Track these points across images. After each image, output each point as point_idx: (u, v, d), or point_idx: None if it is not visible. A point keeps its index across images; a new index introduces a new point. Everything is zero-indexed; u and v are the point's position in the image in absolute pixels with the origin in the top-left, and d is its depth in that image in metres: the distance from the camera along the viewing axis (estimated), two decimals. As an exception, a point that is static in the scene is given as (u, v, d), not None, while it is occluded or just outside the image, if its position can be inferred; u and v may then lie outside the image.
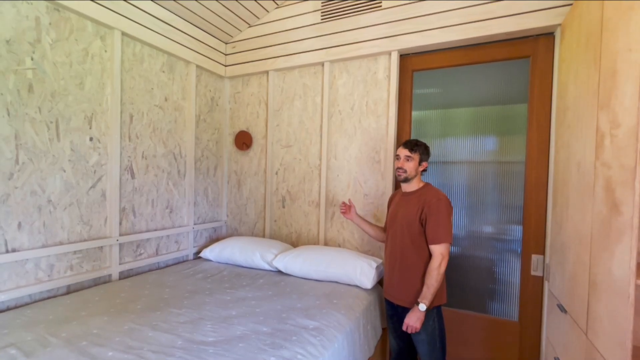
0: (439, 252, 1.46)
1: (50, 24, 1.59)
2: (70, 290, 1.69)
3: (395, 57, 2.06)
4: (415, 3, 1.98)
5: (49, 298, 1.59)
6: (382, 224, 1.86)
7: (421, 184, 1.61)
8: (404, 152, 1.57)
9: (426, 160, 1.60)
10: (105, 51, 1.83)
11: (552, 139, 1.74)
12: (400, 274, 1.56)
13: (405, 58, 2.11)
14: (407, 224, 1.54)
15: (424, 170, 1.62)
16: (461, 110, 2.04)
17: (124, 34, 1.90)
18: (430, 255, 1.50)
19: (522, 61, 1.84)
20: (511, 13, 1.74)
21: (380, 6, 2.08)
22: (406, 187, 1.63)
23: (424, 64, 2.08)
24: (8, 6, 1.44)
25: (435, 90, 2.12)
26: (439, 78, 2.09)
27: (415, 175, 1.58)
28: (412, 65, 2.11)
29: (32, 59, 1.53)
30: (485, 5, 1.80)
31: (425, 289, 1.45)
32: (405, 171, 1.57)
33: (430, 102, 2.13)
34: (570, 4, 1.60)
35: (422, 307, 1.43)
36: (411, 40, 1.99)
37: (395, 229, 1.61)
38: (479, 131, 1.98)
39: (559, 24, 1.65)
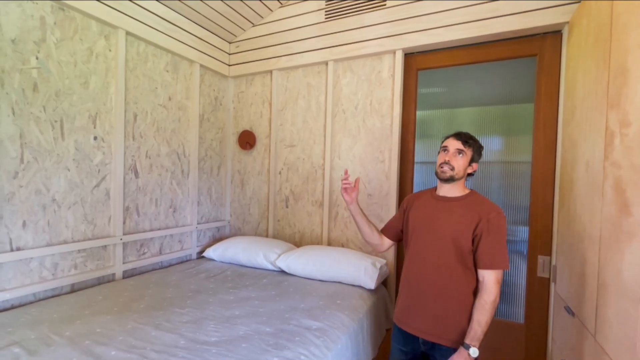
0: (495, 279, 1.16)
1: (55, 23, 1.59)
2: (74, 289, 1.70)
3: (399, 56, 2.05)
4: (420, 2, 1.97)
5: (53, 297, 1.60)
6: (380, 227, 1.56)
7: (467, 190, 1.30)
8: (455, 143, 1.26)
9: (477, 161, 1.30)
10: (110, 50, 1.83)
11: (559, 139, 1.71)
12: (437, 301, 1.22)
13: (409, 57, 2.10)
14: (454, 238, 1.21)
15: (471, 174, 1.32)
16: (466, 109, 2.02)
17: (128, 33, 1.90)
18: (477, 281, 1.22)
19: (529, 60, 1.82)
20: (517, 11, 1.72)
21: (385, 5, 2.07)
22: (446, 191, 1.30)
23: (428, 63, 2.06)
24: (13, 6, 1.45)
25: (440, 89, 2.10)
26: (444, 77, 2.07)
27: (462, 177, 1.27)
28: (416, 64, 2.09)
29: (37, 58, 1.53)
30: (491, 3, 1.78)
31: (476, 326, 1.13)
32: (453, 168, 1.24)
33: (435, 102, 2.11)
34: (578, 2, 1.57)
35: (474, 352, 1.11)
36: (415, 39, 1.98)
37: (429, 242, 1.27)
38: (484, 131, 1.96)
39: (567, 22, 1.62)
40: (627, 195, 0.94)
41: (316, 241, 2.37)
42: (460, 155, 1.26)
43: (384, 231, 1.52)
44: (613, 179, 1.03)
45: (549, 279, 1.75)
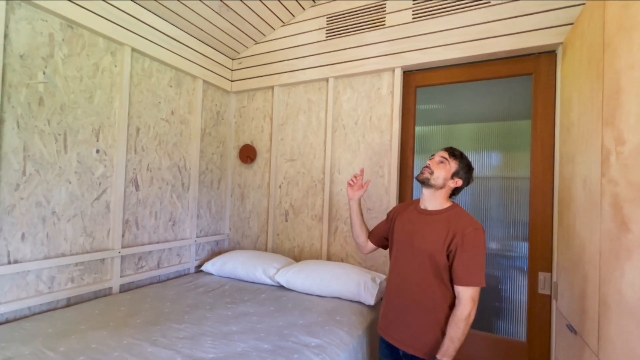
0: (469, 296, 1.15)
1: (63, 40, 1.64)
2: (70, 303, 1.68)
3: (398, 74, 2.09)
4: (418, 22, 2.03)
5: (48, 311, 1.57)
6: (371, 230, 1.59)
7: (448, 204, 1.30)
8: (440, 153, 1.32)
9: (464, 179, 1.30)
10: (115, 66, 1.88)
11: (556, 155, 1.73)
12: (414, 314, 1.25)
13: (408, 74, 2.14)
14: (430, 253, 1.23)
15: (455, 193, 1.33)
16: (465, 125, 2.05)
17: (133, 49, 1.95)
18: (454, 296, 1.21)
19: (525, 78, 1.86)
20: (512, 32, 1.77)
21: (384, 24, 2.13)
22: (427, 202, 1.32)
23: (427, 81, 2.11)
24: (24, 23, 1.49)
25: (438, 106, 2.14)
26: (443, 94, 2.11)
27: (441, 187, 1.28)
28: (415, 82, 2.13)
29: (44, 73, 1.56)
30: (486, 24, 1.84)
31: (448, 342, 1.14)
32: (432, 172, 1.28)
33: (433, 118, 2.14)
34: (571, 24, 1.62)
35: None
36: (414, 57, 2.03)
37: (409, 256, 1.30)
38: (483, 147, 1.98)
39: (561, 43, 1.67)
40: (625, 212, 0.95)
41: (315, 255, 2.36)
42: (443, 164, 1.29)
43: (370, 235, 1.57)
44: (610, 195, 1.04)
45: (550, 296, 1.74)
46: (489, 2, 1.83)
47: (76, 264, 1.70)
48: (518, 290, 1.86)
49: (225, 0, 2.09)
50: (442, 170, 1.28)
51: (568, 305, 1.44)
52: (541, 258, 1.77)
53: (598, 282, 1.11)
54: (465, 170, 1.31)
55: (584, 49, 1.33)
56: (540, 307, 1.76)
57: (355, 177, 1.54)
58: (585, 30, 1.32)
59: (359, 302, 1.81)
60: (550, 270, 1.74)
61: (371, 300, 1.77)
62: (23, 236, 1.51)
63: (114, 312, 1.55)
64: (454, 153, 1.31)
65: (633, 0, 0.94)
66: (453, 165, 1.29)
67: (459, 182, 1.30)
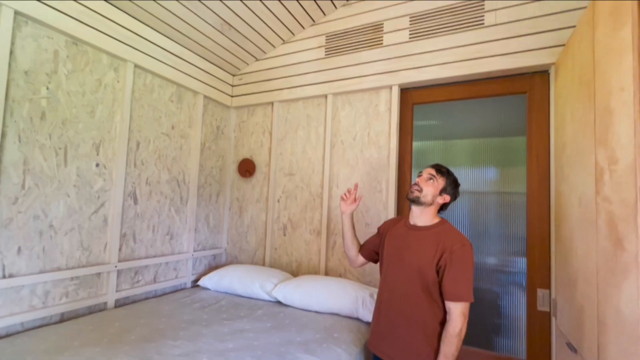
0: (460, 312, 1.16)
1: (67, 56, 1.67)
2: (63, 319, 1.65)
3: (395, 91, 2.13)
4: (414, 42, 2.09)
5: (41, 326, 1.55)
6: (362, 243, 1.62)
7: (436, 220, 1.33)
8: (429, 170, 1.35)
9: (451, 195, 1.34)
10: (118, 82, 1.91)
11: (552, 172, 1.76)
12: (404, 330, 1.26)
13: (405, 92, 2.19)
14: (419, 268, 1.24)
15: (443, 208, 1.36)
16: (462, 141, 2.08)
17: (136, 65, 1.98)
18: (444, 311, 1.23)
19: (520, 95, 1.90)
20: (505, 52, 1.82)
21: (381, 44, 2.19)
22: (417, 219, 1.34)
23: (423, 98, 2.15)
24: (30, 40, 1.53)
25: (435, 122, 2.18)
26: (439, 111, 2.15)
27: (430, 204, 1.31)
28: (412, 99, 2.18)
29: (47, 88, 1.59)
30: (481, 44, 1.89)
31: (442, 358, 1.16)
32: (421, 190, 1.31)
33: (431, 134, 2.17)
34: (562, 45, 1.67)
35: None
36: (410, 75, 2.08)
37: (398, 271, 1.31)
38: (480, 162, 2.01)
39: (553, 63, 1.72)
40: (620, 229, 0.96)
41: (313, 270, 2.34)
42: (431, 180, 1.32)
43: (361, 248, 1.59)
44: (605, 213, 1.05)
45: (549, 313, 1.73)
46: (482, 24, 1.89)
47: (71, 279, 1.69)
48: (517, 307, 1.84)
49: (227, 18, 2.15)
50: (431, 187, 1.31)
51: (567, 323, 1.43)
52: (539, 274, 1.77)
53: (596, 300, 1.11)
54: (453, 186, 1.35)
55: (576, 69, 1.37)
56: (539, 325, 1.75)
57: (349, 191, 1.58)
58: (576, 52, 1.37)
59: (357, 319, 1.79)
60: (548, 286, 1.73)
61: (369, 317, 1.75)
62: (19, 250, 1.50)
63: (109, 328, 1.53)
64: (441, 170, 1.35)
65: (621, 23, 0.98)
66: (441, 182, 1.32)
67: (447, 198, 1.33)
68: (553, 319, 1.69)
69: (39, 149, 1.56)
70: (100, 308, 1.81)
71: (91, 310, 1.77)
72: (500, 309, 1.89)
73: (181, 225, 2.34)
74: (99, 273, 1.81)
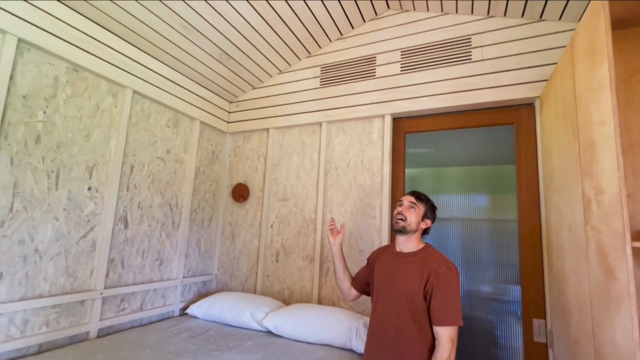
0: (448, 337, 1.16)
1: (67, 81, 1.70)
2: (41, 350, 1.56)
3: (388, 120, 2.20)
4: (406, 74, 2.18)
5: (17, 358, 1.46)
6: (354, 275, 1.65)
7: (421, 245, 1.38)
8: (408, 198, 1.40)
9: (431, 219, 1.40)
10: (115, 107, 1.93)
11: (542, 200, 1.79)
12: (394, 359, 1.25)
13: (398, 121, 2.25)
14: (408, 296, 1.25)
15: (426, 232, 1.42)
16: (453, 169, 2.12)
17: (135, 92, 2.02)
18: (433, 339, 1.23)
19: (508, 126, 1.97)
20: (492, 85, 1.91)
21: (374, 75, 2.28)
22: (402, 245, 1.39)
23: (415, 127, 2.21)
24: (31, 66, 1.56)
25: (427, 150, 2.23)
26: (431, 139, 2.21)
27: (415, 230, 1.36)
28: (404, 128, 2.24)
29: (44, 112, 1.60)
30: (470, 77, 1.98)
31: None
32: (405, 219, 1.34)
33: (423, 161, 2.22)
34: (546, 80, 1.76)
35: None
36: (402, 106, 2.15)
37: (388, 300, 1.32)
38: (471, 189, 2.04)
39: (538, 96, 1.80)
40: (610, 260, 0.97)
41: (306, 298, 2.28)
42: (413, 208, 1.37)
43: (353, 282, 1.61)
44: (595, 243, 1.07)
45: (546, 344, 1.69)
46: (470, 59, 1.99)
47: (53, 306, 1.62)
48: (513, 337, 1.81)
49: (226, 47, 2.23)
50: (414, 215, 1.36)
51: (565, 355, 1.41)
52: (534, 303, 1.75)
53: (592, 331, 1.10)
54: (431, 210, 1.42)
55: (559, 103, 1.44)
56: (537, 356, 1.71)
57: (332, 220, 1.67)
58: (559, 87, 1.44)
59: (350, 350, 1.74)
60: (544, 316, 1.71)
61: (362, 348, 1.69)
62: (1, 276, 1.44)
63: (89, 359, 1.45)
64: (419, 197, 1.41)
65: (599, 62, 1.04)
66: (421, 208, 1.38)
67: (428, 223, 1.39)
68: (550, 350, 1.65)
69: (30, 172, 1.55)
70: (82, 338, 1.73)
71: (72, 341, 1.68)
72: (496, 339, 1.85)
73: (171, 251, 2.30)
74: (83, 300, 1.74)
